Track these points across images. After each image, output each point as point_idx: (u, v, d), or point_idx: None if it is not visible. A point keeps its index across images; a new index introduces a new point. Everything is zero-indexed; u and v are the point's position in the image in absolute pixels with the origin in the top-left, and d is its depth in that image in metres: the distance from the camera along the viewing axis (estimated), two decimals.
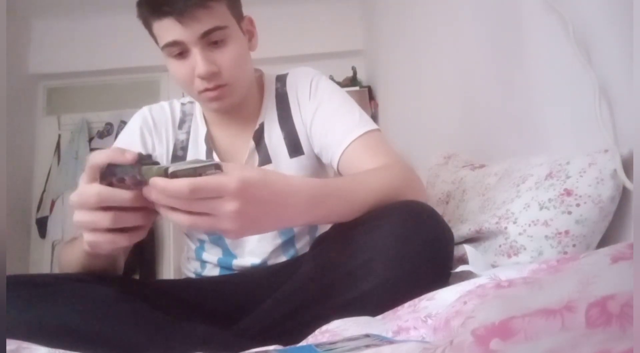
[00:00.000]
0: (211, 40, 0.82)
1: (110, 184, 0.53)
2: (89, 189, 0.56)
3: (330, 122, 0.90)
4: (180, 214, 0.54)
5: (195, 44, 0.81)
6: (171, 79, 0.88)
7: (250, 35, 0.93)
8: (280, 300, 0.73)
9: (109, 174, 0.53)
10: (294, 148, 0.94)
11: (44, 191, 3.51)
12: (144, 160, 0.56)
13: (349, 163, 0.86)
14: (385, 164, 0.81)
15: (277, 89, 0.98)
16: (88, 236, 0.58)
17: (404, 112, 2.43)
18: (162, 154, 0.96)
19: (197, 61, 0.81)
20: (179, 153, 0.96)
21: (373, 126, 0.90)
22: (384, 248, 0.64)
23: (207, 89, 0.84)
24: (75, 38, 3.64)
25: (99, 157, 0.56)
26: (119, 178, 0.53)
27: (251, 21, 0.95)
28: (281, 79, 1.00)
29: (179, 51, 0.83)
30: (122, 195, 0.56)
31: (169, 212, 0.54)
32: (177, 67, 0.84)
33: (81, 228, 0.58)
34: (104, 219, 0.56)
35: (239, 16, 0.89)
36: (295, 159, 0.94)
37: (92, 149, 3.52)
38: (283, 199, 0.59)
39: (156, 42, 0.87)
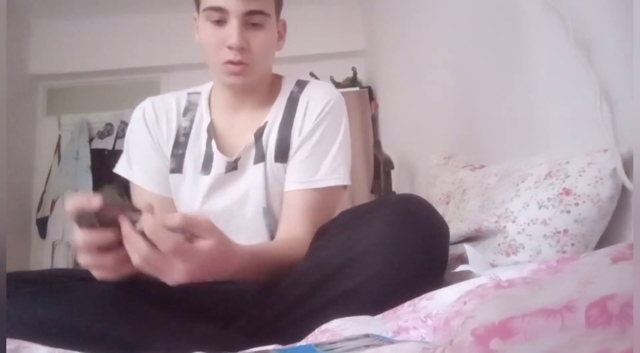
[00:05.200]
0: (252, 20, 0.87)
1: (92, 225, 0.58)
2: (75, 237, 0.60)
3: (311, 156, 0.93)
4: (136, 256, 0.59)
5: (237, 16, 0.85)
6: (200, 45, 0.93)
7: (279, 36, 0.97)
8: (277, 295, 0.74)
9: (86, 218, 0.57)
10: (282, 153, 0.95)
11: (44, 191, 3.51)
12: (107, 192, 0.59)
13: (286, 202, 0.93)
14: (295, 237, 0.85)
15: (292, 93, 0.99)
16: (96, 274, 0.63)
17: (404, 113, 2.43)
18: (163, 143, 0.98)
19: (234, 32, 0.85)
20: (181, 139, 0.98)
21: (337, 181, 0.92)
22: (379, 239, 0.66)
23: (231, 62, 0.87)
24: (75, 38, 3.64)
25: (71, 206, 0.59)
26: (91, 222, 0.58)
27: (284, 25, 0.99)
28: (300, 85, 1.01)
29: (219, 18, 0.86)
30: (105, 236, 0.60)
31: (131, 249, 0.60)
32: (209, 32, 0.88)
33: (89, 268, 0.63)
34: (106, 261, 0.61)
35: (278, 15, 0.94)
36: (278, 165, 0.95)
37: (92, 150, 3.53)
38: (220, 272, 0.67)
39: (196, 3, 0.91)
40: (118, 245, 0.61)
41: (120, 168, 0.98)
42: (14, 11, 3.38)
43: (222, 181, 0.94)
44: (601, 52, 0.77)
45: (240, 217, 0.94)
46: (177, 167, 0.97)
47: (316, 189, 0.91)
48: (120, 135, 3.54)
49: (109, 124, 3.60)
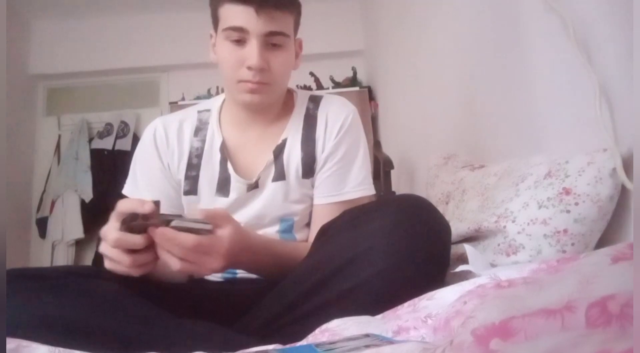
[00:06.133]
0: (272, 41, 0.87)
1: (129, 228, 0.67)
2: (111, 233, 0.67)
3: (337, 171, 0.95)
4: (173, 258, 0.68)
5: (257, 37, 0.85)
6: (218, 63, 0.93)
7: (296, 55, 0.98)
8: (279, 293, 0.74)
9: (130, 219, 0.67)
10: (309, 170, 0.96)
11: (44, 191, 3.51)
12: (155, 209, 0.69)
13: (315, 215, 0.96)
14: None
15: (308, 109, 1.00)
16: (109, 265, 0.69)
17: (404, 113, 2.43)
18: (174, 165, 0.98)
19: (254, 53, 0.85)
20: (194, 161, 0.97)
21: (363, 193, 0.95)
22: (381, 239, 0.66)
23: (249, 81, 0.87)
24: (75, 38, 3.64)
25: (125, 206, 0.68)
26: (137, 227, 0.67)
27: (301, 44, 1.00)
28: (315, 101, 1.01)
29: (238, 37, 0.86)
30: (136, 241, 0.67)
31: (166, 254, 0.68)
32: (228, 52, 0.88)
33: (105, 257, 0.70)
34: (125, 260, 0.67)
35: (295, 34, 0.95)
36: (306, 180, 0.96)
37: (92, 150, 3.52)
38: (242, 252, 0.75)
39: (214, 22, 0.91)
40: (140, 250, 0.68)
41: (128, 190, 0.98)
42: (14, 11, 3.37)
43: (242, 201, 0.95)
44: (601, 52, 0.77)
45: (256, 229, 0.95)
46: (191, 189, 0.97)
47: (344, 202, 0.93)
48: (120, 135, 3.54)
49: (109, 124, 3.60)
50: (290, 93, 1.03)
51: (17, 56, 3.51)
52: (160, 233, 0.66)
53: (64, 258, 3.34)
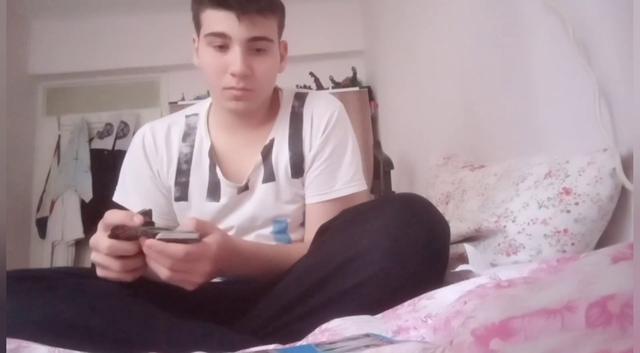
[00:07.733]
0: (255, 46, 0.86)
1: (116, 236, 0.68)
2: (103, 241, 0.67)
3: (326, 169, 0.95)
4: (162, 268, 0.68)
5: (240, 43, 0.84)
6: (201, 68, 0.92)
7: (281, 58, 0.96)
8: (278, 292, 0.75)
9: (118, 229, 0.68)
10: (297, 169, 0.95)
11: (44, 191, 3.51)
12: (146, 218, 0.71)
13: (308, 214, 0.96)
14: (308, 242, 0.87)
15: (293, 107, 0.99)
16: (101, 273, 0.70)
17: (404, 113, 2.43)
18: (163, 171, 0.97)
19: (237, 59, 0.84)
20: (184, 167, 0.97)
21: (354, 189, 0.95)
22: (381, 237, 0.66)
23: (233, 88, 0.86)
24: (75, 38, 3.64)
25: (114, 218, 0.69)
26: (125, 235, 0.68)
27: (285, 46, 0.98)
28: (300, 98, 1.00)
29: (221, 43, 0.85)
30: (127, 247, 0.68)
31: (155, 264, 0.68)
32: (211, 58, 0.87)
33: (96, 265, 0.71)
34: (115, 265, 0.68)
35: (279, 37, 0.94)
36: (296, 180, 0.96)
37: (92, 150, 3.53)
38: (231, 258, 0.75)
39: (196, 27, 0.90)
40: (131, 256, 0.69)
41: (119, 197, 0.98)
42: (14, 11, 3.37)
43: (233, 205, 0.95)
44: (601, 52, 0.77)
45: (249, 231, 0.96)
46: (182, 195, 0.97)
47: (336, 199, 0.93)
48: (120, 135, 3.54)
49: (109, 124, 3.60)
50: (276, 92, 1.02)
51: (17, 56, 3.51)
52: (149, 246, 0.66)
53: (63, 258, 3.34)
